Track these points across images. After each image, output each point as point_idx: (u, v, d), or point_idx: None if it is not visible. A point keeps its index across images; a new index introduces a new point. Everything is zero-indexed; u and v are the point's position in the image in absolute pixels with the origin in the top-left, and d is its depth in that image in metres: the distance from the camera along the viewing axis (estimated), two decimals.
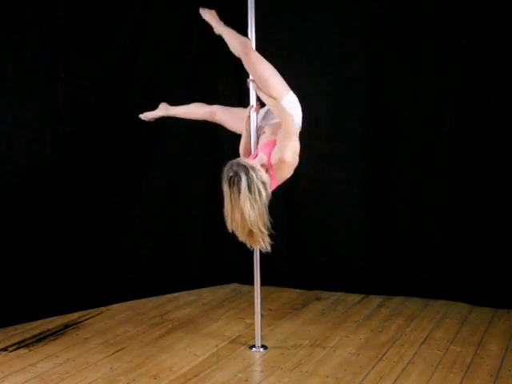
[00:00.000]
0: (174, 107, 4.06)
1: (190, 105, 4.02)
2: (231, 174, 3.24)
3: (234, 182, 3.22)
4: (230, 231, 3.33)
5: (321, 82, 4.86)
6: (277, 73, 3.60)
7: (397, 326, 4.25)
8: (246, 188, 3.21)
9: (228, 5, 4.99)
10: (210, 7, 5.01)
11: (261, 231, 3.27)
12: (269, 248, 3.32)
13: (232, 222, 3.29)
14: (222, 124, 3.95)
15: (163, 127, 4.95)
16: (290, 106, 3.56)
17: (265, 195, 3.27)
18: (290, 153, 3.41)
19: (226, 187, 3.26)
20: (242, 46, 3.61)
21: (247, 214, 3.21)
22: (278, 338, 4.08)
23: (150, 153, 4.94)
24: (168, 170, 4.99)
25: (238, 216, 3.25)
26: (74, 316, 4.52)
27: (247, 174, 3.24)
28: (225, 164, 3.28)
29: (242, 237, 3.32)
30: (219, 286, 5.17)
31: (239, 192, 3.22)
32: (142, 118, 4.11)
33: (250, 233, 3.28)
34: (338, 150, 4.90)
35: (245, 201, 3.21)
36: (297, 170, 4.93)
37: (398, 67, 4.68)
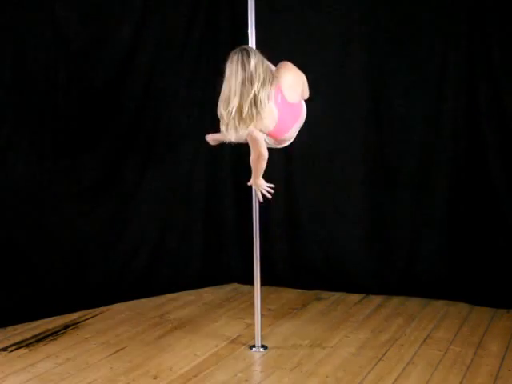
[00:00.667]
0: None
1: None
2: (238, 49, 3.32)
3: (242, 50, 3.30)
4: (222, 102, 3.30)
5: (320, 83, 4.85)
6: None
7: (397, 326, 4.25)
8: (257, 52, 3.30)
9: (228, 5, 5.01)
10: (210, 6, 5.05)
11: (260, 97, 3.25)
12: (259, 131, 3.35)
13: (230, 86, 3.27)
14: None
15: (164, 128, 4.96)
16: None
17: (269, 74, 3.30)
18: (295, 70, 3.43)
19: (230, 61, 3.29)
20: None
21: (254, 65, 3.24)
22: (277, 338, 4.08)
23: (151, 153, 4.94)
24: (168, 170, 4.99)
25: (241, 73, 3.25)
26: (74, 316, 4.52)
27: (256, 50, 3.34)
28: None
29: (235, 103, 3.26)
30: (219, 285, 5.17)
31: (248, 55, 3.27)
32: (207, 140, 4.02)
33: (249, 101, 3.25)
34: (339, 150, 4.90)
35: (255, 57, 3.27)
36: (296, 169, 4.98)
37: (398, 67, 4.67)
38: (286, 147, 3.72)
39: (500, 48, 4.38)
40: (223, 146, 4.90)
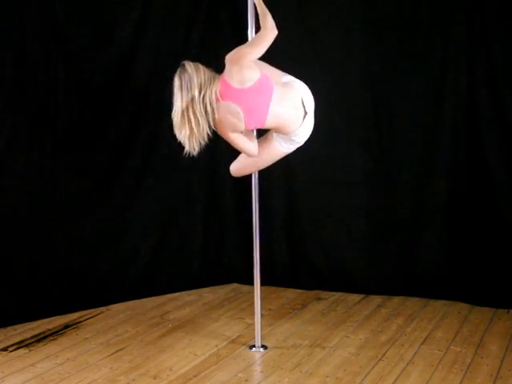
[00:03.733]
0: None
1: None
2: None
3: (180, 67, 3.40)
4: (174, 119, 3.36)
5: (320, 83, 4.85)
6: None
7: (397, 326, 4.25)
8: (196, 64, 3.40)
9: (228, 5, 5.01)
10: (209, 7, 5.05)
11: (202, 100, 3.30)
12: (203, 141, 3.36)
13: (175, 100, 3.35)
14: None
15: (164, 127, 4.95)
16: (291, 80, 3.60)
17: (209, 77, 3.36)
18: (232, 57, 3.38)
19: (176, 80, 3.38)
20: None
21: (190, 73, 3.33)
22: (277, 338, 4.08)
23: (150, 153, 4.94)
24: (168, 170, 4.99)
25: (179, 84, 3.34)
26: (74, 316, 4.52)
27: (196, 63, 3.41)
28: None
29: (179, 109, 3.32)
30: (219, 286, 5.17)
31: (184, 67, 3.38)
32: None
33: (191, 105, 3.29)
34: (338, 150, 4.90)
35: (191, 67, 3.37)
36: (296, 169, 4.98)
37: (398, 67, 4.67)
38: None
39: (500, 48, 4.38)
40: (224, 146, 4.93)
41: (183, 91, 3.32)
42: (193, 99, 3.30)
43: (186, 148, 3.39)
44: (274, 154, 3.67)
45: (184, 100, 3.31)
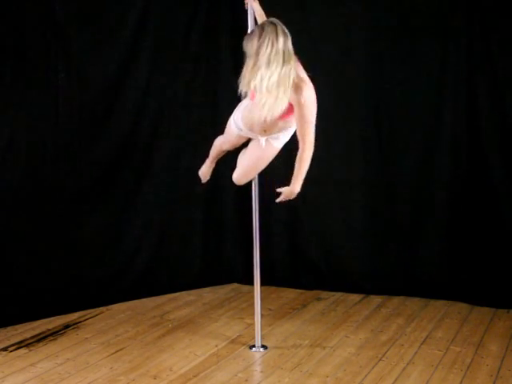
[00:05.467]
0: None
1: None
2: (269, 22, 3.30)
3: (277, 25, 3.32)
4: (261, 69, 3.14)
5: (320, 82, 4.84)
6: None
7: (397, 326, 4.26)
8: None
9: (228, 5, 5.01)
10: (210, 7, 5.05)
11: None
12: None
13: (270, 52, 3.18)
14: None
15: (164, 128, 4.96)
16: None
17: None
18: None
19: (263, 31, 3.25)
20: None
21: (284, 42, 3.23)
22: (277, 338, 4.09)
23: (151, 153, 4.94)
24: (168, 170, 4.99)
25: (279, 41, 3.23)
26: (74, 316, 4.52)
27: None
28: None
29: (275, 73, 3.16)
30: (219, 285, 5.18)
31: (283, 30, 3.32)
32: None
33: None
34: (339, 150, 4.90)
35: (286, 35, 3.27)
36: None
37: (399, 68, 4.68)
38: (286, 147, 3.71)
39: (500, 49, 4.39)
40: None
41: (284, 56, 3.23)
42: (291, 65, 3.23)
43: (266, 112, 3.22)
44: (270, 152, 3.66)
45: (286, 60, 3.23)
